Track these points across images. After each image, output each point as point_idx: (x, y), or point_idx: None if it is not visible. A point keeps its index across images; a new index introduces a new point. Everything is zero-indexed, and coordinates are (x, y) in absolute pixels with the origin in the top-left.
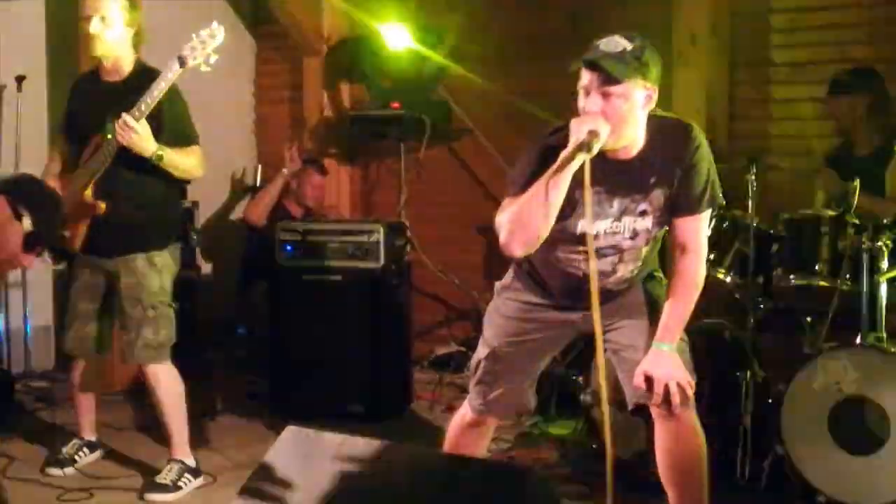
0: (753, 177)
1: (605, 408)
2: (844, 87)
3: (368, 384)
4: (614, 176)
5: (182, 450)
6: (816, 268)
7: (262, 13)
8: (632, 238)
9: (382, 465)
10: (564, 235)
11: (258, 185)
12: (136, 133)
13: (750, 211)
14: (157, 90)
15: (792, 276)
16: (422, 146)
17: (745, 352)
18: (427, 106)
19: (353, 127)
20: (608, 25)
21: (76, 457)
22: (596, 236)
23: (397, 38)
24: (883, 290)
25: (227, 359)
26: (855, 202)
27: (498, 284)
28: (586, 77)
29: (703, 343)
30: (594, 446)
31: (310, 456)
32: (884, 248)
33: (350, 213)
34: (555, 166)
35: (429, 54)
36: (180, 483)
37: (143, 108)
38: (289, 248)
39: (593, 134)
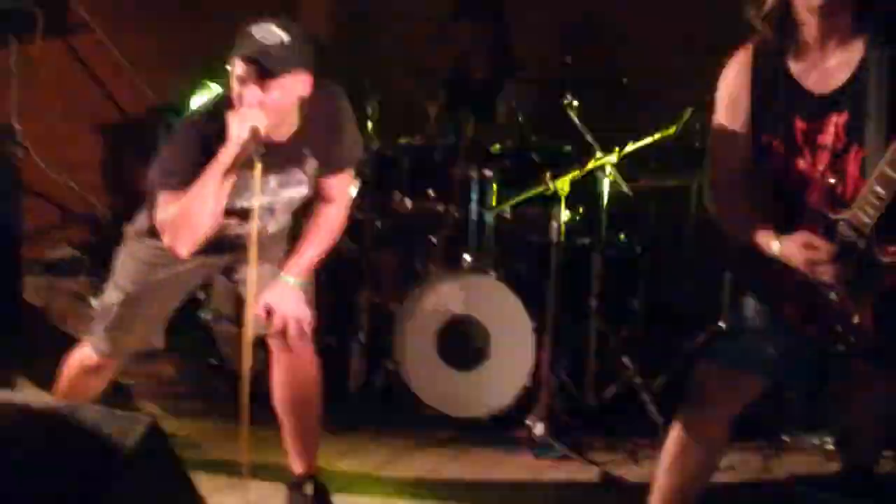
0: (375, 102)
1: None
2: (467, 12)
3: None
4: (270, 156)
5: None
6: (430, 192)
7: None
8: (287, 203)
9: None
10: None
11: None
12: None
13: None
14: None
15: (408, 199)
16: (34, 40)
17: (361, 271)
18: None
19: None
20: None
21: None
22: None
23: None
24: (490, 216)
25: None
26: (469, 131)
27: (131, 229)
28: (241, 67)
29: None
30: (212, 362)
31: None
32: (493, 178)
33: None
34: (218, 165)
35: None
36: None
37: None
38: None
39: (255, 130)
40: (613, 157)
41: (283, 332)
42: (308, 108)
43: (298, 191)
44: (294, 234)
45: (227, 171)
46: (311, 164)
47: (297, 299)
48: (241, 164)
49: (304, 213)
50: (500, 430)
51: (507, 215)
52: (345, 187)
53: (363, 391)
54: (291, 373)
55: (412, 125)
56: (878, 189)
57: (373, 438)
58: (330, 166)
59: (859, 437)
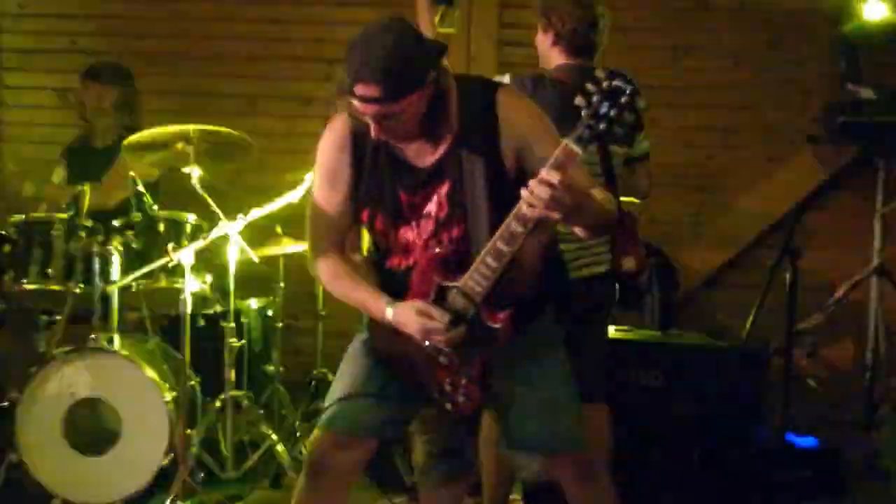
0: None
1: None
2: (97, 75)
3: None
4: None
5: None
6: (49, 270)
7: None
8: None
9: None
10: None
11: None
12: None
13: None
14: None
15: (25, 279)
16: None
17: None
18: None
19: None
20: None
21: None
22: None
23: None
24: (114, 291)
25: None
26: (86, 204)
27: None
28: None
29: None
30: None
31: None
32: (115, 251)
33: None
34: None
35: None
36: None
37: None
38: None
39: None
40: (238, 225)
41: None
42: None
43: None
44: None
45: None
46: None
47: None
48: None
49: None
50: None
51: (134, 289)
52: None
53: None
54: None
55: (28, 199)
56: (490, 261)
57: None
58: None
59: (490, 483)
